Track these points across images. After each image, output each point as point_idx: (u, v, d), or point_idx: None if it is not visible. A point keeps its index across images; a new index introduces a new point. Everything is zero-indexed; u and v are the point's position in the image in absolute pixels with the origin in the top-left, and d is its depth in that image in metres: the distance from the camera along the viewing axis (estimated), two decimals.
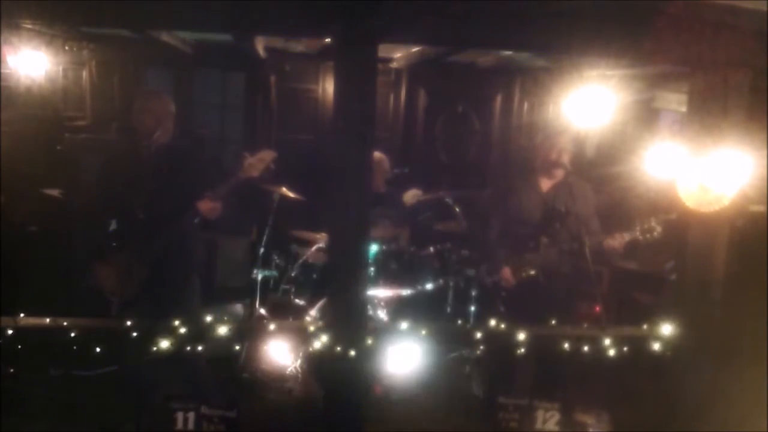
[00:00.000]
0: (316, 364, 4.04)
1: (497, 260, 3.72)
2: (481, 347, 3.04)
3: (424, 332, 2.95)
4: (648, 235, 3.45)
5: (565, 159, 3.60)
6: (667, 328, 2.99)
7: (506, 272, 3.66)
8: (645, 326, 3.06)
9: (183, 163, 3.42)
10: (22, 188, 4.38)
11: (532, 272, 3.62)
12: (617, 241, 3.49)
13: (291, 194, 4.54)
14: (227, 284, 5.53)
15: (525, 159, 4.08)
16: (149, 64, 5.69)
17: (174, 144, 3.41)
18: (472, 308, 4.47)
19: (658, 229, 3.42)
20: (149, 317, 2.90)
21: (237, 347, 3.88)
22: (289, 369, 4.24)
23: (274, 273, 4.73)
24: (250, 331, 3.15)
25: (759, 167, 2.69)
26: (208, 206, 3.27)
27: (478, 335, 2.99)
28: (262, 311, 4.60)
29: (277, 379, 4.22)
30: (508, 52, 5.06)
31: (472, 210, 4.50)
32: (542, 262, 3.61)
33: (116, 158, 3.52)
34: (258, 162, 3.35)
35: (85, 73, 5.48)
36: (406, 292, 4.36)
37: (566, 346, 2.94)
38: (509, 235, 3.70)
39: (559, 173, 3.65)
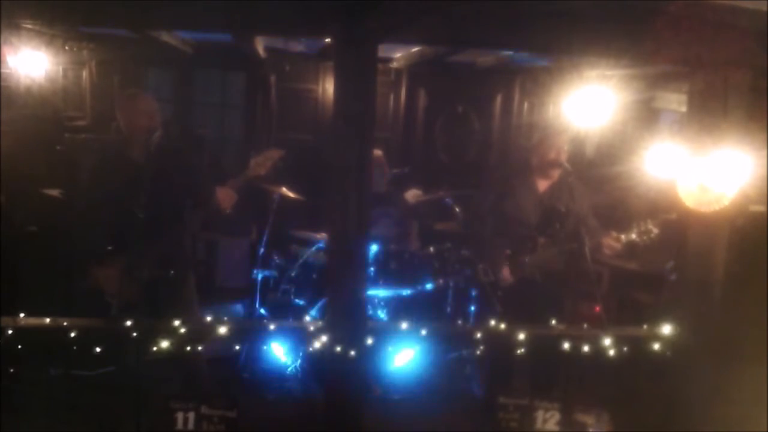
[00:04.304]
0: (316, 364, 4.04)
1: (495, 259, 3.72)
2: (481, 347, 3.04)
3: (424, 332, 2.95)
4: (645, 237, 3.46)
5: (563, 159, 3.60)
6: (667, 328, 2.99)
7: (506, 272, 3.66)
8: (645, 326, 3.06)
9: (182, 163, 3.42)
10: (22, 188, 4.38)
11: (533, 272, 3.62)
12: (615, 241, 3.50)
13: (291, 194, 4.54)
14: (227, 284, 5.53)
15: (522, 159, 4.08)
16: (149, 64, 5.70)
17: (173, 144, 3.41)
18: (472, 308, 4.47)
19: (655, 230, 3.44)
20: (149, 317, 2.90)
21: (237, 347, 3.89)
22: (289, 369, 4.24)
23: (274, 273, 4.73)
24: (250, 331, 3.14)
25: (759, 167, 2.68)
26: (225, 195, 3.27)
27: (478, 335, 2.99)
28: (262, 311, 4.60)
29: (277, 379, 4.22)
30: (508, 52, 5.07)
31: (472, 209, 4.50)
32: (540, 263, 3.61)
33: (114, 158, 3.52)
34: (265, 160, 3.35)
35: (85, 73, 5.48)
36: (406, 292, 4.36)
37: (566, 346, 2.94)
38: (507, 235, 3.70)
39: (556, 173, 3.65)
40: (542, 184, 3.71)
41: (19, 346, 2.73)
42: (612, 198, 4.71)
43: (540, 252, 3.61)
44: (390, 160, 4.90)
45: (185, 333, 2.78)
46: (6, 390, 3.62)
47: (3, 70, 4.87)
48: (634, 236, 3.48)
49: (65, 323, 2.75)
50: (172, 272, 3.36)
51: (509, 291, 3.69)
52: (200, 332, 2.83)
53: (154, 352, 2.78)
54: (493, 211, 3.78)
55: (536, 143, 3.77)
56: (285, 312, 4.50)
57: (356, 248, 2.67)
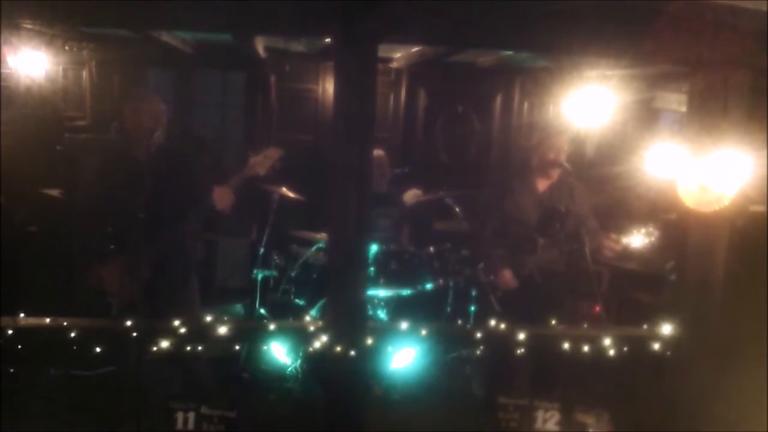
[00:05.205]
0: (316, 364, 4.04)
1: (495, 260, 3.72)
2: (481, 347, 3.04)
3: (424, 332, 2.95)
4: (645, 240, 3.46)
5: (562, 159, 3.60)
6: (667, 328, 2.99)
7: (507, 276, 3.64)
8: (645, 326, 3.05)
9: (182, 163, 3.43)
10: (22, 188, 4.38)
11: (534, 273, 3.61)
12: (614, 244, 3.50)
13: (291, 194, 4.54)
14: (227, 284, 5.54)
15: (521, 159, 4.08)
16: (149, 64, 5.70)
17: (173, 144, 3.41)
18: (472, 308, 4.47)
19: (656, 234, 3.44)
20: (149, 318, 2.90)
21: (237, 347, 3.89)
22: (289, 369, 4.24)
23: (274, 273, 4.73)
24: (250, 331, 3.14)
25: (759, 167, 2.68)
26: (221, 195, 3.26)
27: (478, 335, 2.99)
28: (262, 311, 4.60)
29: (277, 379, 4.22)
30: (508, 52, 5.07)
31: (472, 210, 4.50)
32: (540, 263, 3.61)
33: (115, 158, 3.52)
34: (264, 159, 3.34)
35: (85, 73, 5.48)
36: (406, 292, 4.36)
37: (566, 346, 2.94)
38: (506, 235, 3.69)
39: (556, 173, 3.65)
40: (542, 184, 3.70)
41: (19, 346, 2.73)
42: (612, 198, 4.71)
43: (540, 252, 3.60)
44: (390, 160, 4.90)
45: (185, 333, 2.78)
46: (6, 390, 3.62)
47: (3, 70, 4.88)
48: (634, 239, 3.48)
49: (65, 323, 2.75)
50: (171, 273, 3.35)
51: (509, 291, 3.68)
52: (200, 332, 2.83)
53: (154, 352, 2.78)
54: (492, 211, 3.78)
55: (536, 143, 3.77)
56: (285, 312, 4.50)
57: (356, 248, 2.67)
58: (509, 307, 3.63)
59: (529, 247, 3.62)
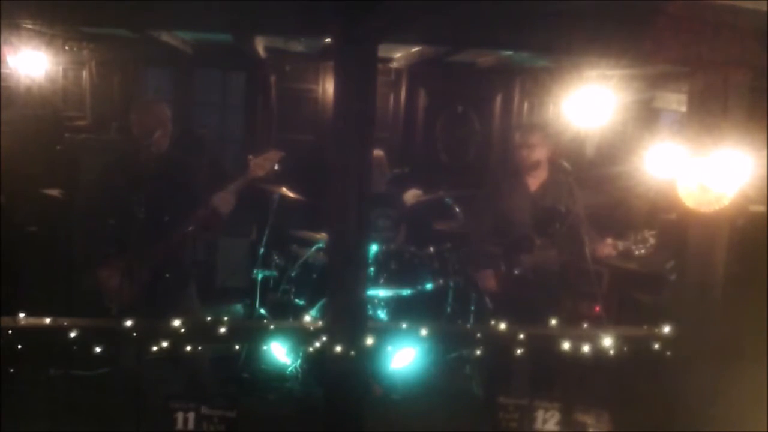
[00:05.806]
0: (316, 364, 4.04)
1: (481, 260, 3.72)
2: (481, 347, 3.04)
3: (424, 332, 2.95)
4: (641, 245, 3.46)
5: (538, 156, 3.58)
6: (667, 328, 2.99)
7: (487, 276, 3.63)
8: (645, 326, 3.06)
9: (182, 164, 3.42)
10: (22, 188, 4.38)
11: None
12: (610, 249, 3.51)
13: (291, 194, 4.54)
14: (227, 284, 5.53)
15: (512, 159, 4.08)
16: (149, 64, 5.70)
17: (174, 146, 3.41)
18: (472, 308, 4.46)
19: (651, 241, 3.44)
20: (148, 318, 2.89)
21: (237, 347, 3.89)
22: (289, 369, 4.24)
23: (274, 273, 4.73)
24: (250, 331, 3.14)
25: (759, 167, 2.68)
26: (223, 199, 3.28)
27: (478, 335, 2.99)
28: (262, 311, 4.60)
29: (277, 379, 4.22)
30: (508, 52, 5.07)
31: (472, 210, 4.50)
32: (538, 262, 3.60)
33: (116, 159, 3.52)
34: (265, 161, 3.35)
35: (85, 73, 5.49)
36: (406, 292, 4.36)
37: (566, 346, 2.94)
38: (502, 235, 3.68)
39: (540, 172, 3.64)
40: (532, 183, 3.69)
41: (19, 346, 2.72)
42: (612, 198, 4.71)
43: (538, 252, 3.59)
44: (390, 160, 4.90)
45: (185, 333, 2.78)
46: (6, 390, 3.62)
47: (3, 70, 4.88)
48: (630, 245, 3.49)
49: (65, 323, 2.75)
50: (168, 275, 3.35)
51: (504, 291, 3.67)
52: (200, 332, 2.83)
53: (154, 352, 2.78)
54: (487, 211, 3.77)
55: (513, 143, 3.78)
56: (285, 312, 4.50)
57: (356, 248, 2.67)
58: (506, 307, 3.63)
59: (525, 247, 3.61)
